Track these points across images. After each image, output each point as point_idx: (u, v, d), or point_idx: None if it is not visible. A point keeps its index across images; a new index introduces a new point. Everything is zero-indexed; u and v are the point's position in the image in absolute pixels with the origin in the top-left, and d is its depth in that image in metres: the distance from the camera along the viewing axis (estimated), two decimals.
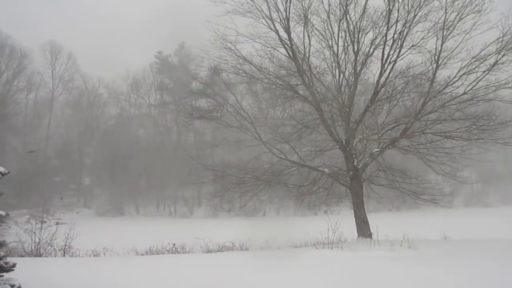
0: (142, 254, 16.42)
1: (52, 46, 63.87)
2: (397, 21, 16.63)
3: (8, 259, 7.66)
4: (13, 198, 40.73)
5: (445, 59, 16.41)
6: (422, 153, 17.26)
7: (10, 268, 7.44)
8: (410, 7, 16.37)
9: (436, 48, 16.43)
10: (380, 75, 17.34)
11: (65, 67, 64.49)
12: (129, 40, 72.30)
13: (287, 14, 17.20)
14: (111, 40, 74.33)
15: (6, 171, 7.44)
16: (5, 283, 7.29)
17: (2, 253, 7.46)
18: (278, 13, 17.25)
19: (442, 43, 16.30)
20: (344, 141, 17.51)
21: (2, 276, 7.38)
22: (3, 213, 7.25)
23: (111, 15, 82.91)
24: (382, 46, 17.03)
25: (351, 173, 17.30)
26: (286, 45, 17.53)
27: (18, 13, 75.51)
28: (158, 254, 16.40)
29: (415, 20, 16.48)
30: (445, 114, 16.64)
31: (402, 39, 16.74)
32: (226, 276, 10.37)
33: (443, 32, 16.22)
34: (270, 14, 17.22)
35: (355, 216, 17.44)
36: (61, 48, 64.27)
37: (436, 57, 16.42)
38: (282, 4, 17.17)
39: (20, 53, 59.12)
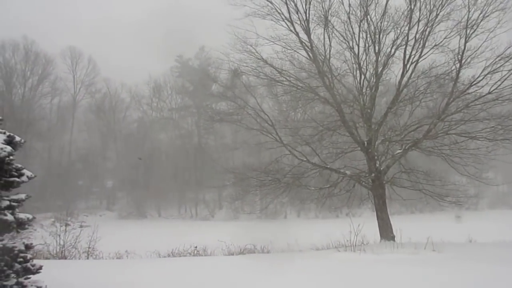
0: (165, 257, 16.53)
1: (72, 52, 64.91)
2: (419, 21, 16.43)
3: (34, 261, 7.80)
4: (38, 201, 41.52)
5: (469, 59, 16.12)
6: (446, 154, 16.97)
7: (36, 270, 7.57)
8: (432, 6, 16.17)
9: (459, 47, 16.17)
10: (402, 76, 17.15)
11: (85, 72, 65.51)
12: (147, 44, 72.86)
13: (307, 16, 17.16)
14: (131, 44, 75.08)
15: (33, 175, 7.59)
16: (32, 285, 7.42)
17: (29, 256, 7.60)
18: (298, 15, 17.23)
19: (466, 42, 16.02)
20: (365, 142, 17.35)
21: (29, 278, 7.52)
22: (30, 216, 7.39)
23: (125, 20, 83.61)
24: (404, 46, 16.85)
25: (373, 175, 17.12)
26: (306, 47, 17.47)
27: (36, 19, 76.95)
28: (180, 256, 16.49)
29: (437, 19, 16.26)
30: (470, 115, 16.33)
31: (424, 38, 16.53)
32: (247, 279, 10.34)
33: (466, 31, 15.94)
34: (290, 16, 17.21)
35: (377, 218, 17.25)
36: (81, 53, 65.34)
37: (459, 56, 16.15)
38: (302, 6, 17.16)
39: (44, 59, 60.36)
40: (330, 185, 17.95)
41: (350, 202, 18.63)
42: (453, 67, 16.45)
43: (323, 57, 17.50)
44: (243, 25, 17.05)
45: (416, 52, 16.78)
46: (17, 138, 7.35)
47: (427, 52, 16.80)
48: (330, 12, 17.08)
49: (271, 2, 17.07)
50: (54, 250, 16.66)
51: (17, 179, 7.36)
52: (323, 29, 17.32)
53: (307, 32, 17.30)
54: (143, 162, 58.01)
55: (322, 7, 17.06)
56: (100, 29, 79.17)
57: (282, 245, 17.86)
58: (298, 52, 17.88)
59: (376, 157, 17.35)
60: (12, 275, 7.21)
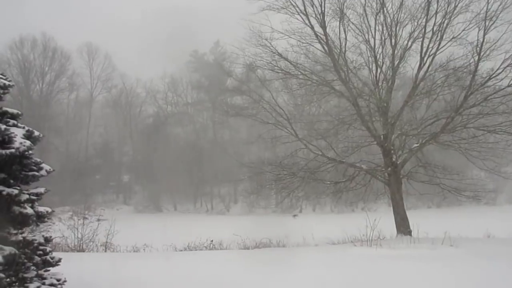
0: (181, 250, 16.65)
1: (88, 47, 65.56)
2: (436, 13, 16.18)
3: (53, 254, 7.92)
4: (56, 195, 42.07)
5: (488, 51, 15.82)
6: (464, 148, 16.72)
7: (56, 263, 7.69)
8: None
9: (478, 39, 15.88)
10: (419, 69, 16.93)
11: (102, 67, 66.16)
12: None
13: (323, 9, 17.02)
14: (144, 40, 75.13)
15: (51, 169, 7.69)
16: (51, 277, 7.54)
17: (48, 249, 7.72)
18: (313, 8, 17.09)
19: (485, 34, 15.72)
20: (382, 136, 17.19)
21: (48, 270, 7.64)
22: (49, 209, 7.50)
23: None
24: (421, 39, 16.61)
25: (389, 169, 16.97)
26: (321, 40, 17.34)
27: (51, 16, 77.71)
28: (196, 250, 16.60)
29: (455, 11, 16.00)
30: (488, 108, 16.06)
31: (442, 31, 16.27)
32: (263, 273, 10.36)
33: (485, 23, 15.64)
34: (305, 10, 17.09)
35: (394, 213, 17.11)
36: (98, 49, 65.94)
37: (478, 49, 15.86)
38: None
39: (61, 55, 61.16)
40: (346, 180, 17.89)
41: (366, 196, 18.55)
42: (472, 60, 16.18)
43: (338, 50, 17.36)
44: (258, 19, 17.05)
45: (434, 44, 16.54)
46: (36, 133, 7.44)
47: (445, 44, 16.55)
48: (345, 4, 16.95)
49: None
50: (72, 243, 16.92)
51: (36, 173, 7.46)
52: (338, 22, 17.17)
53: (323, 25, 17.15)
54: (159, 156, 58.37)
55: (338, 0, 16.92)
56: (112, 26, 79.40)
57: (297, 240, 17.86)
58: (313, 46, 17.79)
59: (392, 151, 17.20)
60: (32, 267, 7.33)
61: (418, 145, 17.10)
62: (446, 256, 11.93)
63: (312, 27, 17.25)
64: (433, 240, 13.67)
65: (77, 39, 67.18)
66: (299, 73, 17.89)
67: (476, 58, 15.97)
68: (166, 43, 67.95)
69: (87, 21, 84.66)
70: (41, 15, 73.54)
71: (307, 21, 17.20)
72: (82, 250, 16.53)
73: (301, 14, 17.16)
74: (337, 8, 16.95)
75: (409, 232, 16.26)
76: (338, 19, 17.08)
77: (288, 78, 18.62)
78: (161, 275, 10.42)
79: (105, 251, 16.81)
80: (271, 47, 17.50)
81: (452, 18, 16.11)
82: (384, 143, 17.18)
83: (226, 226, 21.09)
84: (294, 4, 17.02)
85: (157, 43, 73.10)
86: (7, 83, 7.30)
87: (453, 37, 16.31)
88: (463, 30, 16.11)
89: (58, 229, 16.91)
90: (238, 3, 17.37)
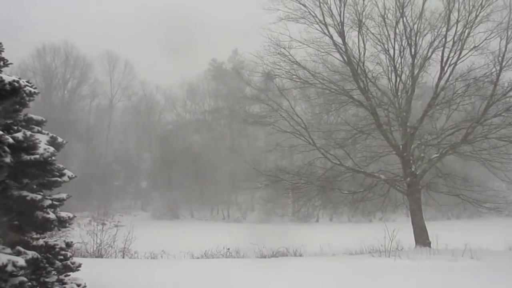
0: (198, 258, 16.70)
1: (109, 55, 66.40)
2: (457, 22, 16.09)
3: (73, 259, 8.04)
4: (75, 200, 42.59)
5: (510, 61, 15.68)
6: (485, 159, 16.47)
7: (76, 268, 7.80)
8: (471, 7, 15.84)
9: (499, 49, 15.76)
10: (440, 78, 16.81)
11: (122, 75, 66.94)
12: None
13: (341, 18, 17.05)
14: (162, 47, 75.93)
15: (74, 175, 7.83)
16: (72, 282, 7.64)
17: (69, 254, 7.84)
18: (332, 18, 17.13)
19: (507, 43, 15.59)
20: (401, 146, 17.05)
21: (69, 275, 7.75)
22: (70, 215, 7.62)
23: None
24: (442, 48, 16.52)
25: (408, 179, 16.80)
26: (340, 50, 17.34)
27: (73, 22, 79.08)
28: (213, 258, 16.62)
29: (476, 20, 15.89)
30: (510, 118, 15.81)
31: (463, 40, 16.16)
32: (280, 280, 10.34)
33: (507, 33, 15.52)
34: (324, 19, 17.13)
35: (412, 224, 16.90)
36: (118, 57, 66.81)
37: (499, 58, 15.72)
38: (336, 9, 17.06)
39: (83, 63, 62.33)
40: (364, 189, 17.73)
41: (384, 206, 18.36)
42: (493, 70, 16.02)
43: (357, 60, 17.32)
44: (276, 28, 17.13)
45: (454, 54, 16.43)
46: (59, 139, 7.58)
47: (466, 54, 16.43)
48: (364, 14, 16.93)
49: (304, 5, 17.05)
50: (91, 248, 17.10)
51: (58, 179, 7.59)
52: (357, 32, 17.16)
53: (341, 35, 17.15)
54: (177, 164, 58.71)
55: (356, 9, 16.92)
56: (130, 33, 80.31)
57: (314, 249, 17.74)
58: (331, 55, 17.78)
59: (411, 161, 17.03)
60: (53, 272, 7.44)
61: (437, 155, 16.91)
62: (467, 268, 11.73)
63: (331, 37, 17.27)
64: (453, 252, 13.46)
65: (96, 47, 68.31)
66: (317, 82, 17.87)
67: (498, 67, 15.81)
68: (183, 52, 68.65)
69: (105, 29, 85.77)
70: (60, 22, 74.85)
71: (325, 31, 17.24)
72: (101, 256, 16.70)
73: (320, 23, 17.22)
74: (356, 18, 16.96)
75: (428, 244, 16.04)
76: (357, 29, 17.09)
77: (306, 87, 18.62)
78: (178, 283, 10.47)
79: (123, 257, 16.95)
80: (290, 56, 17.57)
81: (473, 27, 16.02)
82: (403, 153, 17.03)
83: (243, 234, 21.09)
84: (313, 14, 17.11)
85: (176, 52, 73.94)
86: (32, 90, 7.45)
87: (474, 47, 16.18)
88: (485, 39, 15.99)
89: (78, 234, 17.13)
90: (257, 13, 17.49)
